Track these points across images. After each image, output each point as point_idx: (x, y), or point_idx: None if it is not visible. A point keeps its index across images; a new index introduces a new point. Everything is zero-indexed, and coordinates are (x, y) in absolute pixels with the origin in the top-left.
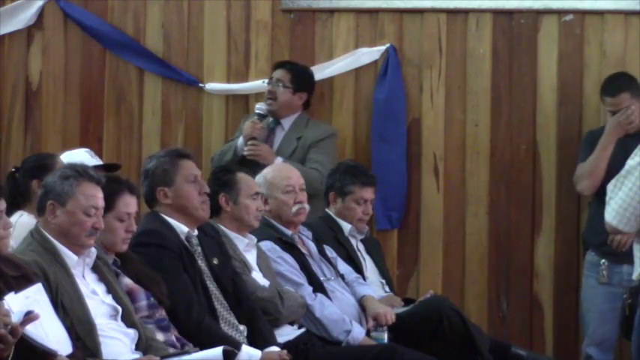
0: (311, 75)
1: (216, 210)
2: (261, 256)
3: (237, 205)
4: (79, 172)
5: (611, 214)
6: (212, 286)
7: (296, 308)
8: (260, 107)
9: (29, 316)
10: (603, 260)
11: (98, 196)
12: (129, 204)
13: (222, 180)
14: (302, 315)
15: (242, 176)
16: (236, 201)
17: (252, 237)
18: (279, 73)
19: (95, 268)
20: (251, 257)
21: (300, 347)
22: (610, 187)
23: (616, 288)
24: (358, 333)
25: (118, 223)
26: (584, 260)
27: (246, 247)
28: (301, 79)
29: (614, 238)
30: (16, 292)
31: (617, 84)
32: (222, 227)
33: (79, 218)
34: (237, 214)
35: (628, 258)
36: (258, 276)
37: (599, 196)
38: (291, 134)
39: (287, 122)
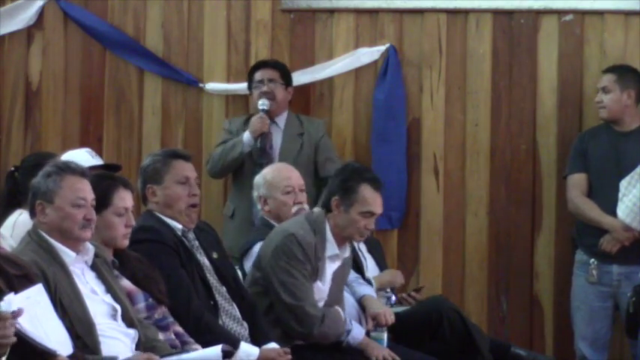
0: (289, 69)
1: (327, 208)
2: (345, 269)
3: (346, 214)
4: (60, 167)
5: (625, 211)
6: (212, 279)
7: (330, 335)
8: (264, 103)
9: (16, 312)
10: (593, 260)
11: (85, 188)
12: (124, 198)
13: (345, 184)
14: (332, 341)
15: (364, 189)
16: (347, 210)
17: (347, 251)
18: (269, 73)
19: (94, 267)
20: (330, 266)
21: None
22: (624, 183)
23: (605, 287)
24: (358, 333)
25: (117, 219)
26: (574, 259)
27: (332, 256)
28: (287, 73)
29: (603, 241)
30: (17, 292)
31: (614, 66)
32: (326, 226)
33: (69, 211)
34: (342, 221)
35: (617, 258)
36: (323, 288)
37: (589, 197)
38: (289, 132)
39: (281, 120)
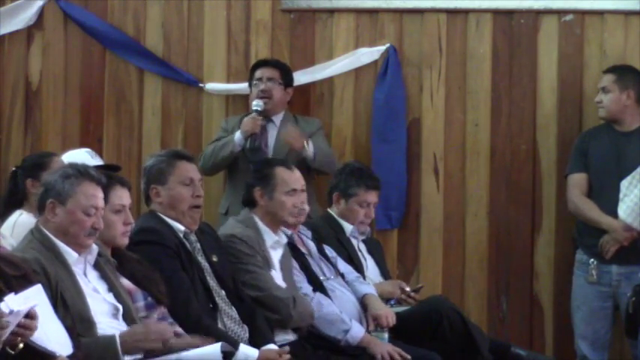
0: (291, 69)
1: (251, 202)
2: (287, 258)
3: (272, 200)
4: (80, 171)
5: (626, 211)
6: (212, 282)
7: (306, 315)
8: (257, 103)
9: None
10: (592, 260)
11: (98, 196)
12: (121, 196)
13: (261, 173)
14: (309, 323)
15: (280, 171)
16: (271, 196)
17: (284, 237)
18: (269, 72)
19: (97, 266)
20: (275, 255)
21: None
22: (625, 184)
23: (605, 287)
24: (357, 332)
25: (115, 216)
26: (575, 259)
27: (273, 244)
28: (288, 74)
29: (602, 241)
30: (16, 293)
31: (614, 66)
32: (256, 219)
33: (79, 217)
34: (271, 208)
35: (617, 258)
36: (277, 276)
37: (589, 197)
38: (284, 130)
39: (277, 119)
